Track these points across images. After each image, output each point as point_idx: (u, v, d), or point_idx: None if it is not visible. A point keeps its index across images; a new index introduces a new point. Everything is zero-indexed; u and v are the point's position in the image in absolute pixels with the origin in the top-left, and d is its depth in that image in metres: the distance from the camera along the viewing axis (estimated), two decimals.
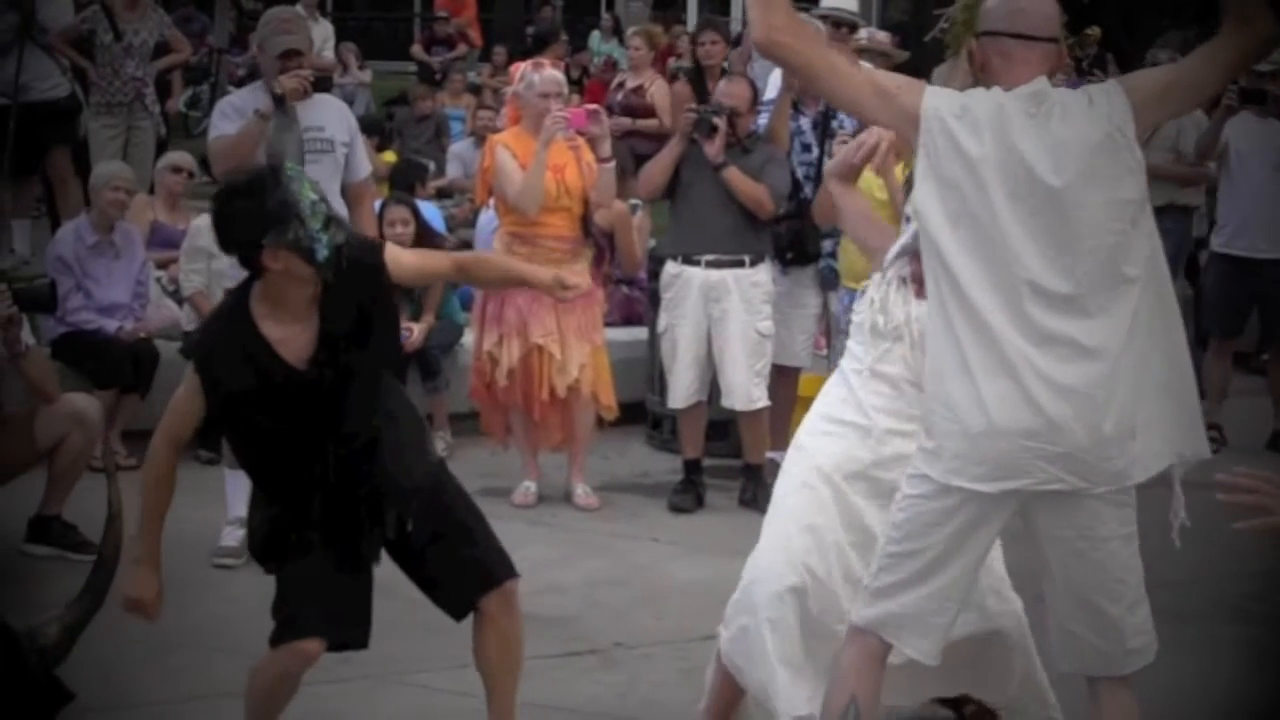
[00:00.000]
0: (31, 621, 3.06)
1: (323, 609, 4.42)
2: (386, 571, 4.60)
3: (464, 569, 4.56)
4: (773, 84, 7.94)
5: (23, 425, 6.47)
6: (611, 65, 16.58)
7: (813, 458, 4.71)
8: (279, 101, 4.71)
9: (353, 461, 4.44)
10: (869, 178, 7.20)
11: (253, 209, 4.24)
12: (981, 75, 4.03)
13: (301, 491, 4.45)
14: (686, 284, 7.43)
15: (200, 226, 8.14)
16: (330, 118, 6.50)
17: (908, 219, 4.65)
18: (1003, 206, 3.83)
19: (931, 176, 3.89)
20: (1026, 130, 3.85)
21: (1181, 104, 4.16)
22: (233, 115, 6.36)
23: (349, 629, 4.48)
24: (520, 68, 7.68)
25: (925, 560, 4.02)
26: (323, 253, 4.24)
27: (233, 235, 4.33)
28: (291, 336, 4.35)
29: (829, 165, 5.18)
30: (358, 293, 4.38)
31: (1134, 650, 4.04)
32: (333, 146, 6.42)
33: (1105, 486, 3.90)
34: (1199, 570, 6.37)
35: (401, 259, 4.55)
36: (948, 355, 3.90)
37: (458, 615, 4.64)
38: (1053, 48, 4.00)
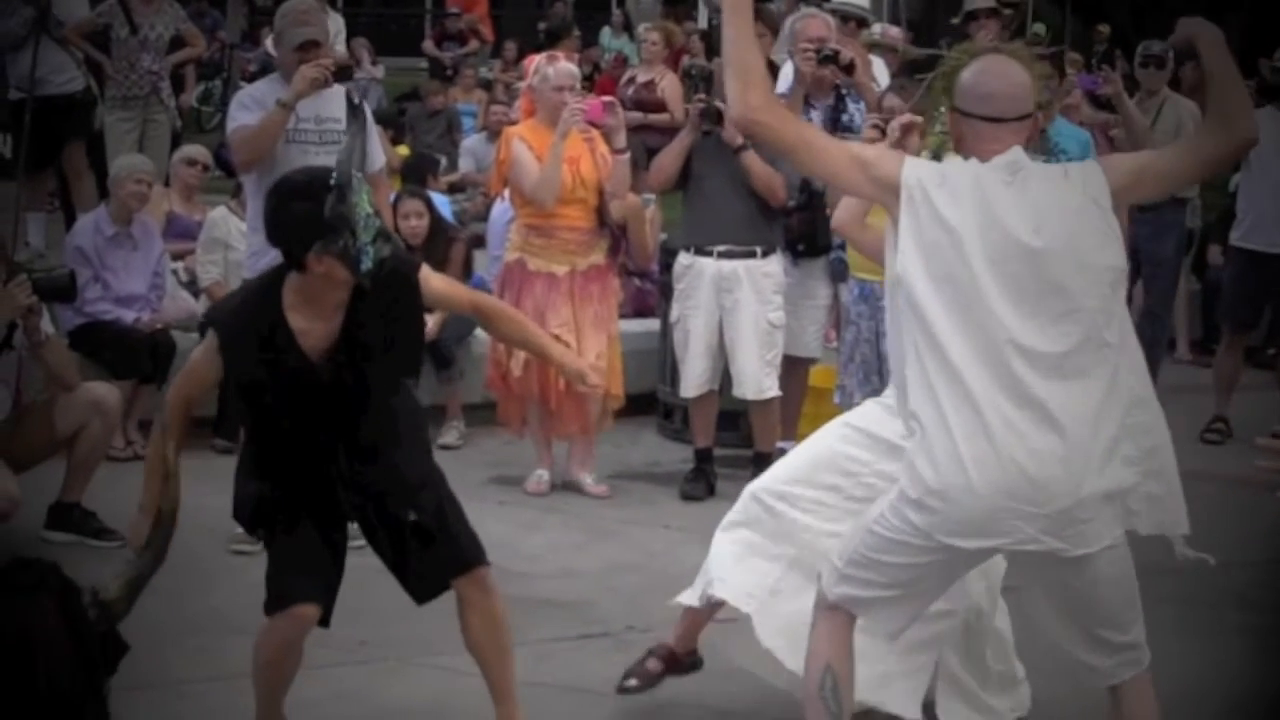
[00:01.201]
0: (94, 580, 3.17)
1: (315, 577, 4.56)
2: None
3: (435, 554, 4.65)
4: (784, 79, 8.01)
5: (43, 413, 6.55)
6: (622, 61, 16.64)
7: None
8: (352, 106, 4.77)
9: (357, 462, 4.55)
10: None
11: (310, 214, 4.29)
12: (957, 146, 4.16)
13: (297, 476, 4.56)
14: (699, 274, 7.50)
15: (216, 218, 8.24)
16: (342, 109, 6.55)
17: None
18: (984, 270, 3.90)
19: (913, 241, 3.95)
20: (1005, 196, 3.95)
21: (1154, 190, 4.29)
22: (252, 106, 6.44)
23: (330, 597, 4.60)
24: (535, 61, 7.75)
25: (895, 573, 4.12)
26: (367, 264, 4.32)
27: (284, 234, 4.41)
28: (315, 331, 4.44)
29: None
30: (389, 304, 4.47)
31: (1127, 662, 4.13)
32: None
33: (1081, 550, 3.94)
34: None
35: (431, 282, 4.64)
36: (928, 412, 3.93)
37: (421, 598, 4.75)
38: (1025, 123, 4.08)
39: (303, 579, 4.54)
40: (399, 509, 4.60)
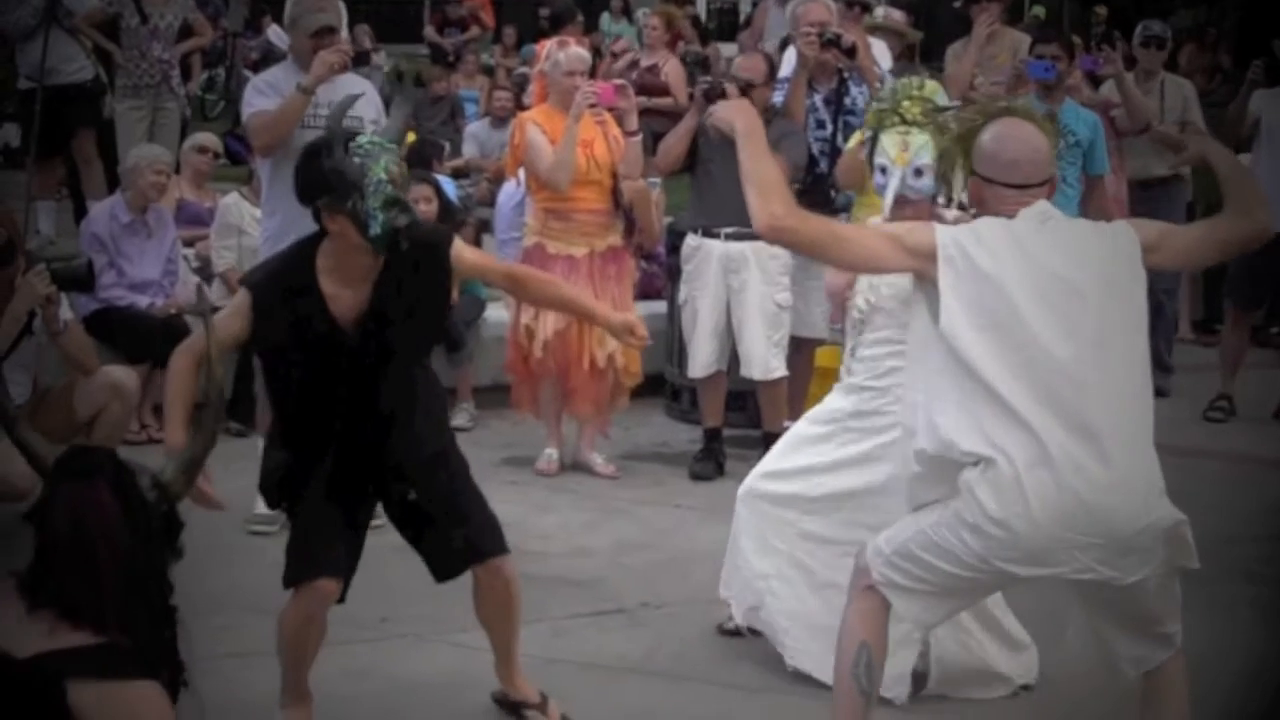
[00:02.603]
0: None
1: (336, 551, 4.63)
2: None
3: (450, 538, 4.74)
4: (788, 61, 8.08)
5: (62, 397, 6.61)
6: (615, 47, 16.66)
7: None
8: (399, 77, 4.95)
9: (377, 432, 4.63)
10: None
11: (312, 170, 4.47)
12: (979, 208, 4.25)
13: (320, 444, 4.64)
14: (706, 256, 7.58)
15: (229, 204, 8.31)
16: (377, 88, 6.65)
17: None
18: (1029, 308, 4.01)
19: (955, 298, 4.04)
20: (1039, 239, 4.07)
21: (1172, 260, 4.37)
22: (268, 92, 6.51)
23: (350, 571, 4.68)
24: (546, 46, 7.83)
25: (942, 578, 4.18)
26: (375, 229, 4.41)
27: (298, 187, 4.54)
28: (344, 297, 4.54)
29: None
30: (418, 276, 4.57)
31: (1165, 647, 4.24)
32: (363, 124, 6.55)
33: (1134, 577, 4.06)
34: (1215, 534, 6.49)
35: (464, 254, 4.74)
36: (984, 448, 3.99)
37: (439, 578, 4.84)
38: (1046, 187, 4.21)
39: (324, 553, 4.62)
40: (401, 486, 4.69)
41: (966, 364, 4.01)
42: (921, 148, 5.02)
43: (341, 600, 4.71)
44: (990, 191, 4.19)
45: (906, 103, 5.13)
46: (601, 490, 7.49)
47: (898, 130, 5.09)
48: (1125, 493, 3.96)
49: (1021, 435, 3.95)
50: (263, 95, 6.51)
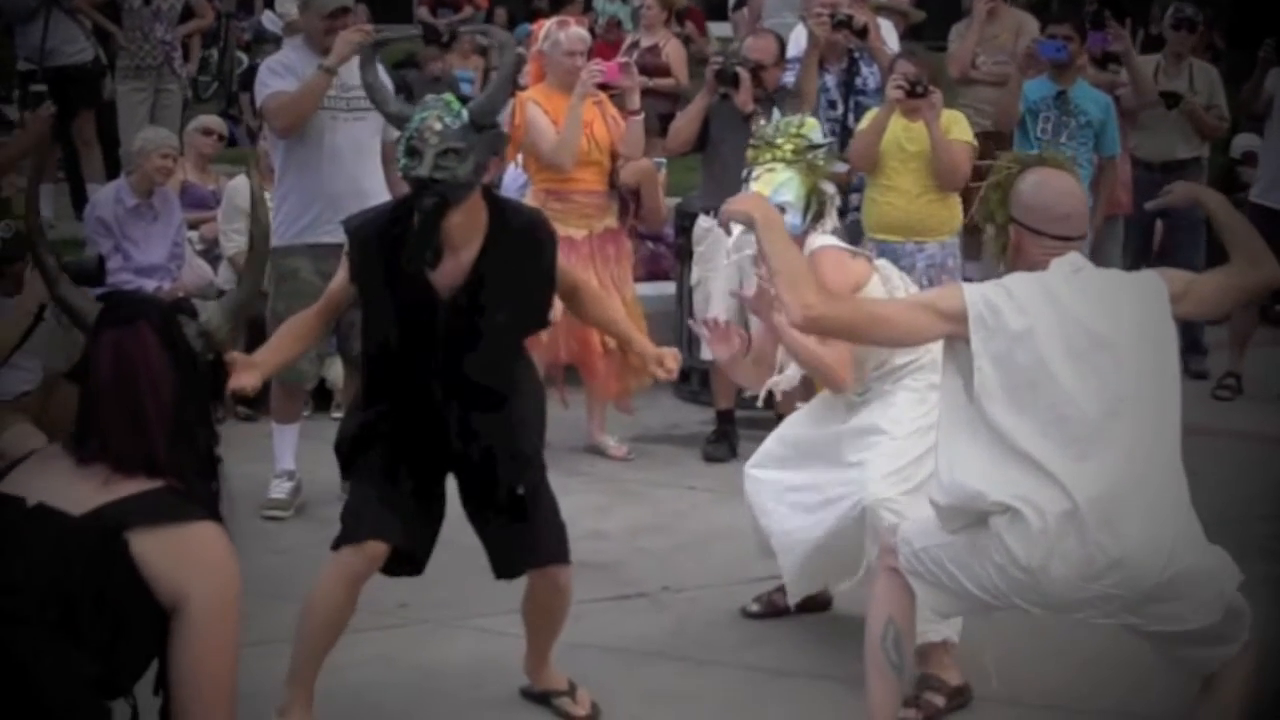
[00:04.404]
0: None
1: (391, 516, 4.53)
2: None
3: (518, 539, 4.70)
4: (797, 41, 8.05)
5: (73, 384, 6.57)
6: (615, 25, 16.58)
7: None
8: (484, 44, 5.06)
9: (467, 408, 4.56)
10: (895, 128, 7.36)
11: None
12: (1014, 255, 4.26)
13: (406, 411, 4.58)
14: (719, 238, 7.48)
15: (238, 187, 8.26)
16: (372, 76, 6.57)
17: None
18: (1060, 366, 4.02)
19: (986, 358, 4.05)
20: (1070, 292, 4.09)
21: (1195, 309, 4.36)
22: (284, 73, 6.46)
23: (410, 540, 4.58)
24: (545, 25, 7.76)
25: (965, 588, 4.22)
26: (404, 161, 4.42)
27: None
28: (444, 263, 4.46)
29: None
30: (522, 260, 4.54)
31: (1228, 652, 4.21)
32: (373, 106, 6.50)
33: (1163, 628, 4.12)
34: (1227, 512, 6.50)
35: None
36: (1013, 499, 4.01)
37: (499, 574, 4.80)
38: (1085, 237, 4.30)
39: (378, 516, 4.52)
40: (509, 477, 4.62)
41: (997, 426, 4.04)
42: (783, 184, 5.13)
43: (418, 571, 4.67)
44: (1034, 242, 4.21)
45: (781, 140, 5.21)
46: (614, 472, 7.47)
47: (766, 168, 5.20)
48: (1151, 549, 3.98)
49: (1051, 490, 3.99)
50: (279, 77, 6.46)
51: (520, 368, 4.74)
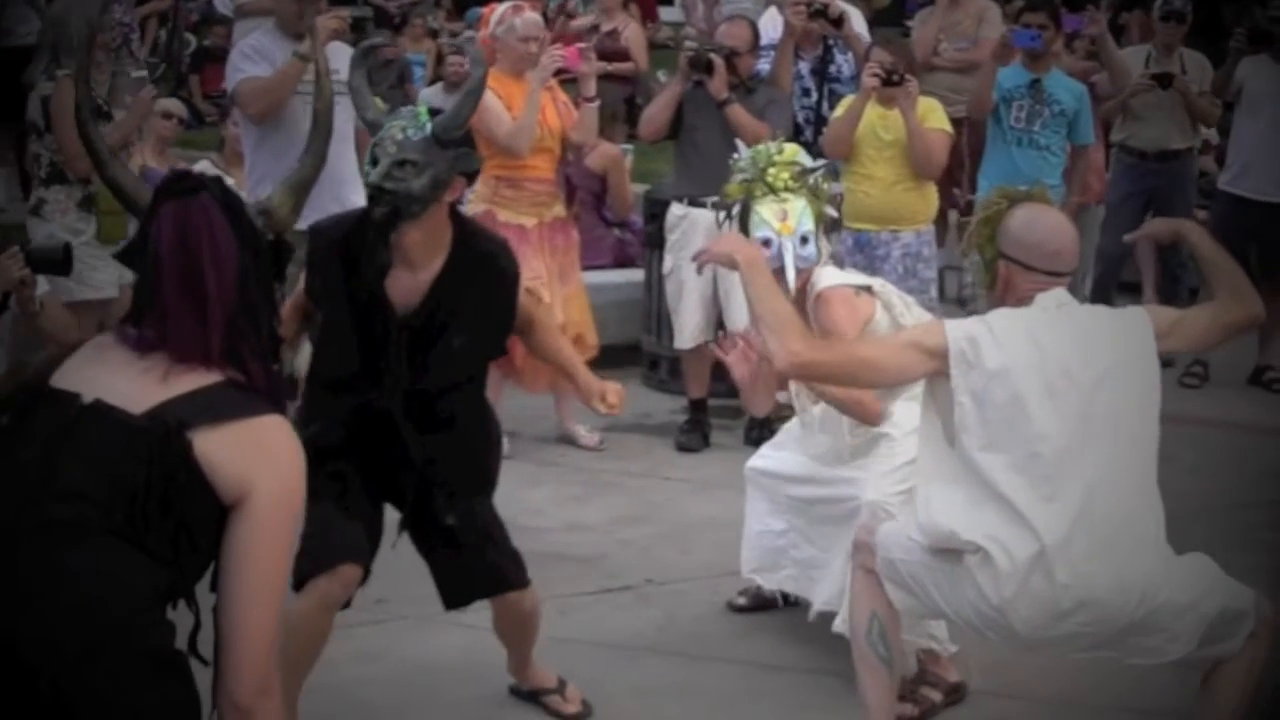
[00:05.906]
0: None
1: (358, 535, 4.45)
2: None
3: (468, 570, 4.61)
4: (773, 26, 8.00)
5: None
6: (561, 8, 16.50)
7: None
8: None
9: (417, 429, 4.45)
10: (871, 116, 7.32)
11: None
12: (1004, 290, 4.24)
13: (354, 421, 4.46)
14: (692, 225, 7.45)
15: (202, 170, 8.11)
16: (344, 62, 6.48)
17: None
18: (1036, 405, 4.01)
19: (966, 391, 4.05)
20: (1051, 331, 4.08)
21: (1182, 345, 4.38)
22: (255, 57, 6.36)
23: (372, 555, 4.50)
24: (497, 10, 7.60)
25: (938, 606, 4.25)
26: (368, 169, 4.34)
27: None
28: (401, 278, 4.37)
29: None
30: (483, 285, 4.45)
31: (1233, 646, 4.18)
32: (347, 90, 6.40)
33: (1143, 661, 4.16)
34: (1208, 500, 6.52)
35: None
36: (984, 539, 4.02)
37: (448, 605, 4.70)
38: (1073, 273, 4.31)
39: (351, 536, 4.43)
40: (443, 506, 4.51)
41: (973, 462, 4.04)
42: (801, 214, 5.00)
43: (363, 583, 4.56)
44: (1025, 277, 4.19)
45: (772, 170, 5.07)
46: (587, 462, 7.40)
47: (771, 199, 5.04)
48: (1119, 589, 3.99)
49: (1019, 530, 3.98)
50: (251, 61, 6.36)
51: (474, 393, 4.62)
